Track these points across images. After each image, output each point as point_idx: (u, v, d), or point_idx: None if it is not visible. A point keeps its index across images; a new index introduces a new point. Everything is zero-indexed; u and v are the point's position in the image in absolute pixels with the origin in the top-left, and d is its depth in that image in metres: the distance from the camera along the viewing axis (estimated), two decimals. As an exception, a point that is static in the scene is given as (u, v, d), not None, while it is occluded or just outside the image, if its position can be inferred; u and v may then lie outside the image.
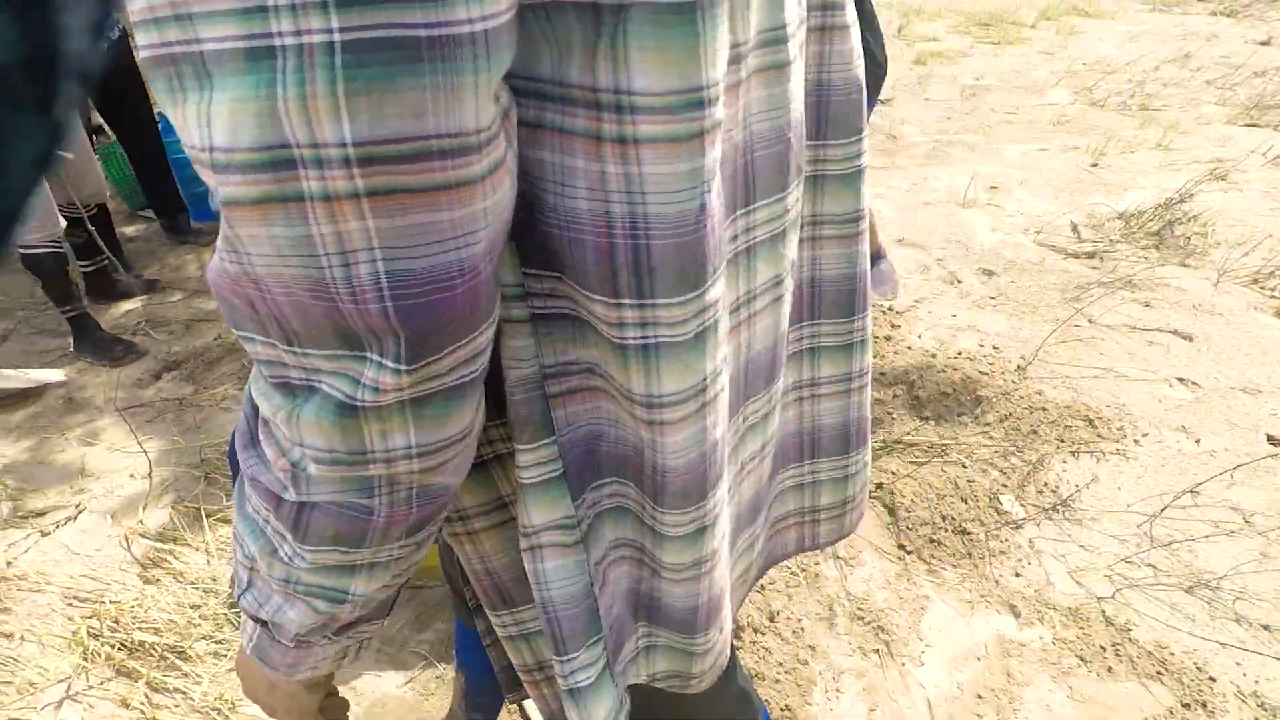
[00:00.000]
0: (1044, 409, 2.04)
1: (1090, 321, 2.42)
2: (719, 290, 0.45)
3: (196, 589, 1.69)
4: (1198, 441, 1.96)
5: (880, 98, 4.39)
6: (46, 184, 2.40)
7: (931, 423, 2.02)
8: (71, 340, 2.53)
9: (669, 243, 0.40)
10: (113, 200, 3.13)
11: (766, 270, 0.52)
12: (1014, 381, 2.15)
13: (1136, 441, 1.96)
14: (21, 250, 2.33)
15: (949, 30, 5.75)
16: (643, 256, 0.40)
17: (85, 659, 1.54)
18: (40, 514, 1.96)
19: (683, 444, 0.46)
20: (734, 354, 0.52)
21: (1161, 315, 2.44)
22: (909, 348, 2.31)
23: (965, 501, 1.78)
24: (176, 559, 1.77)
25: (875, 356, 2.25)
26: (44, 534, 1.89)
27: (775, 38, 0.46)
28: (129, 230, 3.39)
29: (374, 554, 0.44)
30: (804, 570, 1.66)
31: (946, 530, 1.73)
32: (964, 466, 1.87)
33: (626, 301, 0.42)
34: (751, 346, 0.54)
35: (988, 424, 2.01)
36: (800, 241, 0.57)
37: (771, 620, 1.54)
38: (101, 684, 1.51)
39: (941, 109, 4.26)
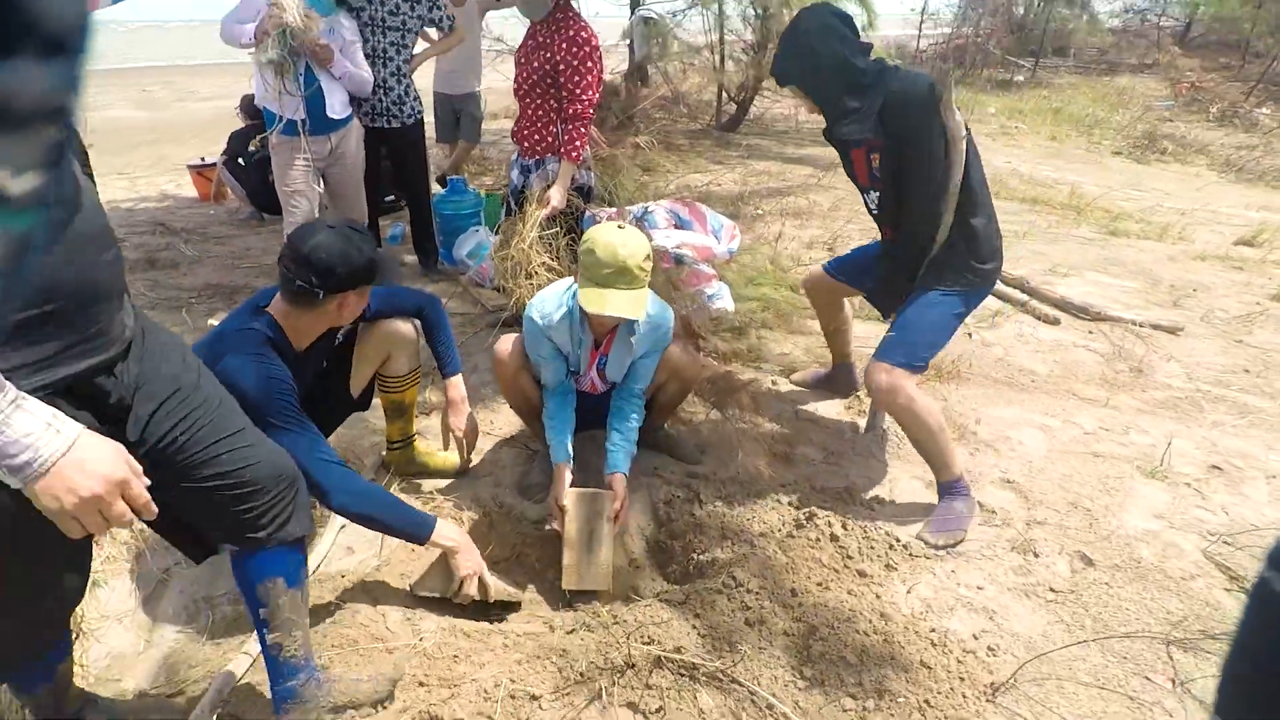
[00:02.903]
0: (968, 750, 1.43)
1: (1175, 684, 1.60)
2: None
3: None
4: None
5: (1164, 323, 3.44)
6: (321, 206, 3.37)
7: (796, 683, 1.57)
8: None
9: None
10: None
11: None
12: (966, 696, 1.55)
13: None
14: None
15: (1367, 271, 4.24)
16: None
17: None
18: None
19: None
20: None
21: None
22: (875, 595, 1.81)
23: (737, 789, 1.36)
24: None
25: (817, 584, 1.83)
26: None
27: None
28: (405, 257, 4.42)
29: None
30: (502, 746, 1.45)
31: (678, 804, 1.34)
32: (781, 752, 1.43)
33: None
34: None
35: (870, 725, 1.49)
36: None
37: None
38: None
39: (1248, 358, 3.18)
